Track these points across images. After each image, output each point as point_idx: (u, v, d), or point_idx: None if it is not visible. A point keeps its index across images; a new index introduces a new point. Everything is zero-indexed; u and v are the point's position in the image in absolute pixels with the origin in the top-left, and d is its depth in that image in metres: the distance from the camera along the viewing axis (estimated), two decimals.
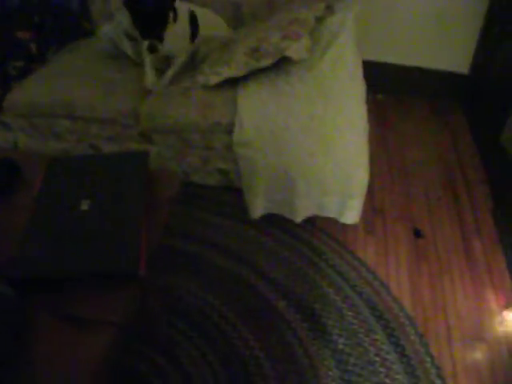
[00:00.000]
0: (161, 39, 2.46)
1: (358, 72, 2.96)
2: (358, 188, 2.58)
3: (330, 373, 2.23)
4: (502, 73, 3.08)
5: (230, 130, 2.61)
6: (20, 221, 1.61)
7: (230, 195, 2.91)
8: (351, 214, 2.69)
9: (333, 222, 2.74)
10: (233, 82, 2.72)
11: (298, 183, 2.55)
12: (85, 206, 1.59)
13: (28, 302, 1.41)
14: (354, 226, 2.78)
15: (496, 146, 2.94)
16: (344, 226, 2.77)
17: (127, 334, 1.75)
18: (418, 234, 2.74)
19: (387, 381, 2.20)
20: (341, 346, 2.32)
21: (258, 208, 2.75)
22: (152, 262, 1.62)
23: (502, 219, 2.75)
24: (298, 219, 2.74)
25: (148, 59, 2.72)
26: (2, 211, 1.70)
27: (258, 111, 2.56)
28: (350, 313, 2.43)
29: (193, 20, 2.77)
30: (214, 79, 2.70)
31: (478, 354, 2.29)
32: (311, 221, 2.78)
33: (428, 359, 2.27)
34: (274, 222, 2.79)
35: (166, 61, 2.81)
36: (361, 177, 2.55)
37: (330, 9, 2.96)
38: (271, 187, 2.63)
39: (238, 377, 2.21)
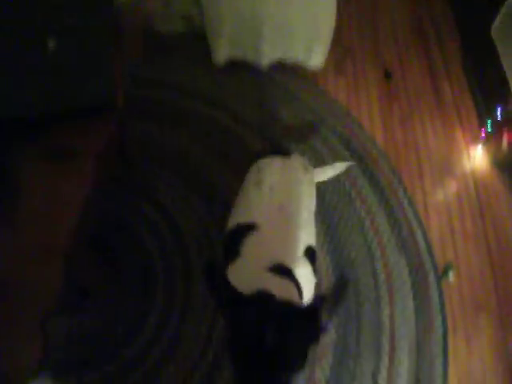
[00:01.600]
0: None
1: None
2: (325, 31, 2.48)
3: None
4: None
5: None
6: None
7: (199, 43, 2.68)
8: (317, 57, 2.59)
9: (301, 65, 2.64)
10: None
11: (264, 26, 2.40)
12: (52, 43, 1.47)
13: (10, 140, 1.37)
14: (324, 67, 2.68)
15: None
16: (312, 68, 2.67)
17: (109, 170, 1.67)
18: (388, 75, 2.71)
19: (362, 210, 2.27)
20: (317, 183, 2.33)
21: (222, 52, 2.58)
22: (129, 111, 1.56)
23: (468, 62, 2.77)
24: (264, 64, 2.61)
25: None
26: None
27: None
28: (324, 149, 2.43)
29: None
30: None
31: (447, 187, 2.40)
32: (282, 65, 2.66)
33: (401, 190, 2.35)
34: (244, 66, 2.64)
35: None
36: (328, 20, 2.43)
37: None
38: (236, 31, 2.45)
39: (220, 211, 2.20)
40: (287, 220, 1.46)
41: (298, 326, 1.03)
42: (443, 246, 2.24)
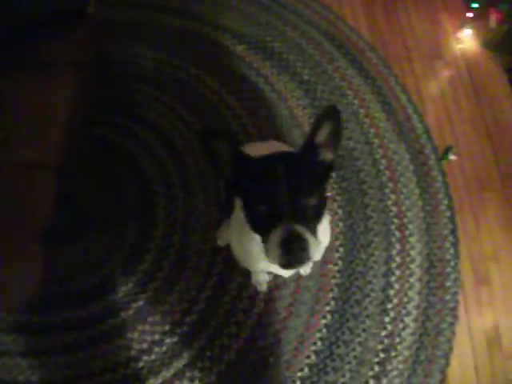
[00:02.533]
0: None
1: None
2: None
3: (300, 102, 2.16)
4: None
5: None
6: None
7: None
8: None
9: None
10: None
11: None
12: None
13: None
14: None
15: None
16: None
17: (89, 79, 1.57)
18: None
19: (355, 101, 2.18)
20: (306, 77, 2.24)
21: None
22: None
23: None
24: None
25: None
26: None
27: None
28: (309, 46, 2.32)
29: None
30: None
31: (438, 71, 2.31)
32: None
33: (392, 78, 2.26)
34: None
35: None
36: None
37: None
38: None
39: (209, 120, 2.08)
40: None
41: (305, 161, 1.03)
42: (441, 130, 2.18)
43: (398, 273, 1.88)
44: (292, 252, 0.93)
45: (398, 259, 1.91)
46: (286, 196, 0.95)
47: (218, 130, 1.04)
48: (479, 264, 1.94)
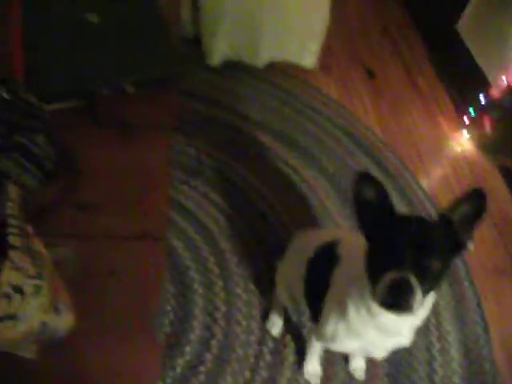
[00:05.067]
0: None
1: None
2: (319, 28, 2.58)
3: (329, 193, 2.29)
4: None
5: None
6: None
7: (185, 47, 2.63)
8: (310, 58, 2.70)
9: (292, 66, 2.71)
10: None
11: (265, 22, 2.45)
12: (93, 18, 1.44)
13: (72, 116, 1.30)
14: (312, 69, 2.76)
15: None
16: (303, 69, 2.74)
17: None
18: (371, 74, 2.85)
19: None
20: (331, 171, 2.37)
21: (219, 53, 2.57)
22: None
23: (435, 56, 3.01)
24: (260, 64, 2.64)
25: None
26: None
27: None
28: (331, 141, 2.48)
29: None
30: None
31: (445, 168, 2.54)
32: (272, 66, 2.69)
33: (408, 176, 2.44)
34: (236, 67, 2.64)
35: None
36: (322, 18, 2.54)
37: None
38: (236, 28, 2.47)
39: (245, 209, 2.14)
40: None
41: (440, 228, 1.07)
42: None
43: (439, 359, 1.94)
44: (399, 293, 0.99)
45: (437, 345, 1.97)
46: (413, 249, 1.01)
47: (374, 177, 1.11)
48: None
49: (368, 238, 1.14)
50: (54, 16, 1.43)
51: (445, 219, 1.09)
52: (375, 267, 1.08)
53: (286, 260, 1.69)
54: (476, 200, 1.07)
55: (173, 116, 1.47)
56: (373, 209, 1.10)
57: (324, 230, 1.70)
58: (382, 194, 1.10)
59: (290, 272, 1.62)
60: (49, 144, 1.12)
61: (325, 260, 1.39)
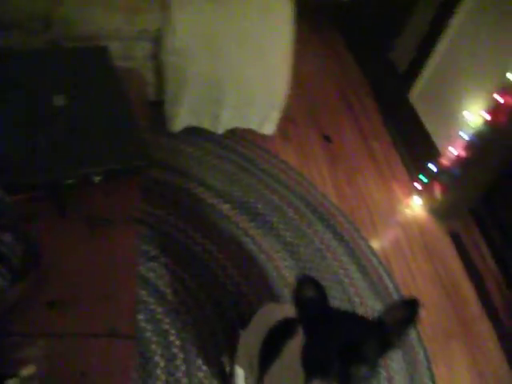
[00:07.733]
0: None
1: None
2: (280, 99, 2.70)
3: (286, 263, 2.36)
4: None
5: (156, 37, 2.45)
6: None
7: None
8: (270, 125, 2.81)
9: (250, 131, 2.82)
10: None
11: (227, 94, 2.55)
12: (59, 101, 1.44)
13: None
14: (270, 135, 2.88)
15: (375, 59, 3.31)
16: (262, 135, 2.86)
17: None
18: (327, 139, 2.99)
19: (335, 263, 2.43)
20: (289, 239, 2.46)
21: (181, 120, 2.67)
22: None
23: (390, 124, 3.17)
24: (220, 131, 2.74)
25: None
26: None
27: (193, 17, 2.44)
28: (289, 209, 2.58)
29: None
30: None
31: (397, 234, 2.67)
32: (232, 131, 2.80)
33: (362, 242, 2.55)
34: (195, 133, 2.74)
35: None
36: (283, 89, 2.66)
37: None
38: (199, 98, 2.57)
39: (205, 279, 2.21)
40: None
41: (371, 332, 1.14)
42: (407, 287, 2.46)
43: None
44: None
45: None
46: (342, 358, 1.07)
47: (313, 278, 1.21)
48: None
49: (305, 333, 1.21)
50: (17, 103, 1.41)
51: (379, 322, 1.15)
52: (306, 364, 1.15)
53: (250, 329, 1.77)
54: (411, 308, 1.13)
55: (138, 207, 1.48)
56: (312, 307, 1.18)
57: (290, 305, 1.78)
58: (320, 297, 1.18)
59: (252, 340, 1.70)
60: (16, 241, 1.14)
61: (282, 332, 1.47)
